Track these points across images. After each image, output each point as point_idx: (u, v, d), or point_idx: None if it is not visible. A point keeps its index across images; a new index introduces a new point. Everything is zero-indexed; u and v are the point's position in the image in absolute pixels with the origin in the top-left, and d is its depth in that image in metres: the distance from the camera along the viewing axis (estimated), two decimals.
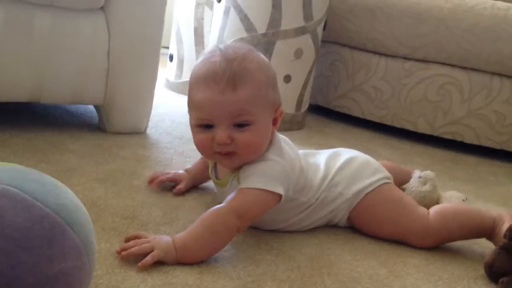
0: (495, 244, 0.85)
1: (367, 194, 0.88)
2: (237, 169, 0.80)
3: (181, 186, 0.93)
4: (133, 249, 0.67)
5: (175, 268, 0.67)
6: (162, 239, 0.69)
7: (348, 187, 0.88)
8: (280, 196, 0.76)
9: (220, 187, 0.86)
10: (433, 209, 0.89)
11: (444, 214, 0.88)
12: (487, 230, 0.87)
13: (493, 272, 0.78)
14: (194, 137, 0.80)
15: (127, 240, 0.70)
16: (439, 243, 0.88)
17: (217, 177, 0.87)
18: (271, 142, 0.81)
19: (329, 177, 0.88)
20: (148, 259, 0.65)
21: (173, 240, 0.69)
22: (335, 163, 0.90)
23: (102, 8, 1.13)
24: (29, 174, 0.48)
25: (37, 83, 1.08)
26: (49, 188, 0.47)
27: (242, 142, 0.75)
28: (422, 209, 0.89)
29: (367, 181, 0.89)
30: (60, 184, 0.50)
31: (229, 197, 0.75)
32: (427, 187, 1.01)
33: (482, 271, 0.81)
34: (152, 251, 0.66)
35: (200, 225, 0.71)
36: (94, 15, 1.12)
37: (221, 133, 0.75)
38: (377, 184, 0.89)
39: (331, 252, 0.80)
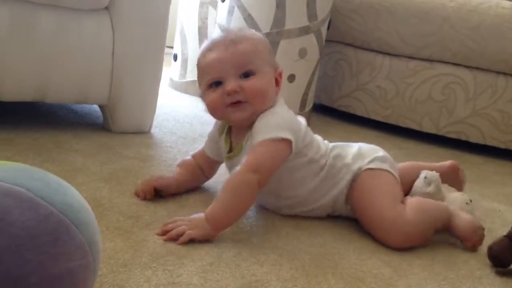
0: (453, 234, 0.90)
1: (365, 170, 0.91)
2: (250, 127, 0.85)
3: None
4: (171, 232, 0.74)
5: (179, 267, 0.67)
6: (195, 218, 0.77)
7: (353, 162, 0.92)
8: (290, 142, 0.82)
9: (232, 160, 0.89)
10: (409, 206, 0.89)
11: (421, 209, 0.89)
12: (446, 222, 0.90)
13: (496, 259, 0.82)
14: (206, 101, 0.87)
15: (165, 225, 0.77)
16: (411, 242, 0.86)
17: (230, 150, 0.90)
18: (277, 101, 0.88)
19: (335, 145, 0.95)
20: (184, 237, 0.73)
21: (205, 215, 0.76)
22: (342, 143, 0.98)
23: (106, 8, 1.13)
24: (35, 173, 0.48)
25: (41, 83, 1.09)
26: (54, 187, 0.47)
27: (249, 88, 0.83)
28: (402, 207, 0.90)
29: (367, 160, 0.93)
30: (65, 183, 0.50)
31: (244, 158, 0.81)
32: (431, 189, 1.00)
33: (487, 270, 0.81)
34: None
35: (223, 192, 0.78)
36: (98, 15, 1.12)
37: (230, 84, 0.82)
38: (377, 165, 0.92)
39: (335, 251, 0.80)
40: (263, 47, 0.88)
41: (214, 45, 0.85)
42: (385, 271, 0.76)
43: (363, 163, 0.92)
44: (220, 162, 0.97)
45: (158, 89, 1.27)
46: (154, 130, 1.30)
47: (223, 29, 0.87)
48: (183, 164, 0.97)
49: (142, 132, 1.26)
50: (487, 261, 0.84)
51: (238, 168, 0.80)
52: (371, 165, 0.92)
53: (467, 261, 0.84)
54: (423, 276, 0.77)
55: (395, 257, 0.82)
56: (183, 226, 0.75)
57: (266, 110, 0.85)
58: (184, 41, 1.93)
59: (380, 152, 0.96)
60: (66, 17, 1.08)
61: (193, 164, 0.96)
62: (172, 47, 2.05)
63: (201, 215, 0.77)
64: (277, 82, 0.88)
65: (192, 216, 0.78)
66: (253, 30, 0.93)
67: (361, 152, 0.94)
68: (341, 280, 0.71)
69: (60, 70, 1.10)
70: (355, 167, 0.91)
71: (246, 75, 0.83)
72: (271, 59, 0.89)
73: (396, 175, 0.94)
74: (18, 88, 1.07)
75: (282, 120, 0.84)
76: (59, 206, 0.45)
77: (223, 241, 0.76)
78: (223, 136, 0.92)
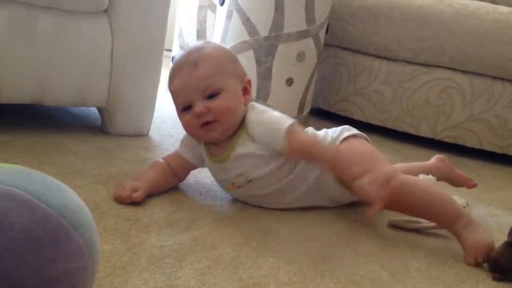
0: (454, 234, 0.89)
1: (348, 137, 0.97)
2: (233, 138, 0.90)
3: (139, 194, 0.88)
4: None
5: (177, 270, 0.67)
6: None
7: (337, 137, 0.98)
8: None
9: (220, 164, 0.92)
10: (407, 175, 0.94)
11: (413, 185, 0.91)
12: (453, 220, 0.88)
13: (494, 265, 0.81)
14: (182, 123, 0.91)
15: None
16: (392, 201, 0.87)
17: (213, 156, 0.93)
18: (252, 107, 0.92)
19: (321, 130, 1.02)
20: None
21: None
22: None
23: (105, 10, 1.13)
24: (33, 176, 0.48)
25: (40, 85, 1.09)
26: (53, 189, 0.47)
27: (216, 107, 0.87)
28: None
29: (337, 133, 0.99)
30: (63, 185, 0.50)
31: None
32: None
33: (484, 274, 0.82)
34: None
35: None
36: (97, 18, 1.12)
37: (198, 107, 0.87)
38: (349, 133, 0.98)
39: (333, 254, 0.80)
40: (226, 60, 0.91)
41: (177, 70, 0.91)
42: (382, 274, 0.76)
43: (334, 135, 0.98)
44: (196, 167, 0.98)
45: (156, 92, 1.27)
46: (152, 133, 1.30)
47: (184, 49, 0.93)
48: (156, 166, 0.95)
49: (140, 134, 1.26)
50: (484, 265, 0.84)
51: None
52: (344, 135, 0.97)
53: (463, 265, 0.85)
54: (420, 279, 0.77)
55: (392, 260, 0.82)
56: None
57: (238, 120, 0.90)
58: (182, 44, 1.94)
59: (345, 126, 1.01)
60: (65, 20, 1.08)
61: (166, 167, 0.95)
62: (170, 50, 2.05)
63: None
64: (246, 91, 0.92)
65: None
66: (213, 43, 0.97)
67: (327, 131, 1.01)
68: (338, 283, 0.71)
69: (59, 73, 1.10)
70: (338, 141, 0.96)
71: (212, 95, 0.87)
72: (236, 69, 0.92)
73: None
74: (17, 90, 1.08)
75: (273, 114, 0.91)
76: (58, 208, 0.45)
77: (221, 244, 0.76)
78: (202, 145, 0.95)
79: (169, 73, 0.93)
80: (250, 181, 0.90)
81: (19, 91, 1.08)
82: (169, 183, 0.95)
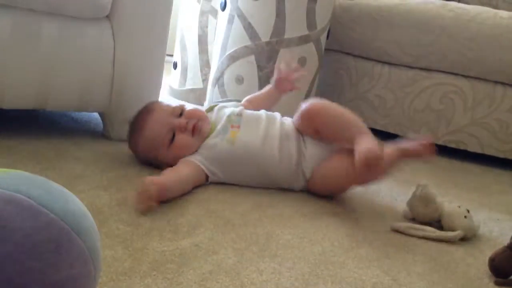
0: (352, 143, 0.99)
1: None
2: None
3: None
4: None
5: (179, 275, 0.67)
6: None
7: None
8: None
9: (214, 132, 1.07)
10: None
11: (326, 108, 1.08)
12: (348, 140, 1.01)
13: (496, 269, 0.82)
14: (178, 150, 1.03)
15: None
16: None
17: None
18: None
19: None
20: None
21: None
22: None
23: (107, 16, 1.14)
24: (35, 181, 0.48)
25: (42, 91, 1.09)
26: (55, 194, 0.47)
27: (188, 111, 1.07)
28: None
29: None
30: (66, 190, 0.50)
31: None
32: (427, 209, 1.01)
33: (486, 280, 0.81)
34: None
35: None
36: (99, 24, 1.13)
37: (178, 121, 1.04)
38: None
39: (335, 259, 0.80)
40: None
41: (137, 125, 1.06)
42: (384, 280, 0.76)
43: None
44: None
45: (158, 97, 1.27)
46: None
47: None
48: (186, 163, 1.02)
49: None
50: (487, 270, 0.84)
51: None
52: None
53: (466, 270, 0.84)
54: (422, 285, 0.77)
55: (394, 265, 0.82)
56: None
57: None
58: (184, 50, 1.94)
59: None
60: (67, 26, 1.08)
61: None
62: (172, 55, 2.05)
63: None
64: None
65: None
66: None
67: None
68: None
69: (61, 78, 1.10)
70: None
71: (179, 114, 1.05)
72: None
73: None
74: (19, 95, 1.08)
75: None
76: (60, 214, 0.45)
77: (222, 249, 0.76)
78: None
79: (132, 138, 1.08)
80: (240, 115, 1.09)
81: (21, 97, 1.08)
82: (197, 182, 1.02)
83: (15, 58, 1.04)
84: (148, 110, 1.07)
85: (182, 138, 1.03)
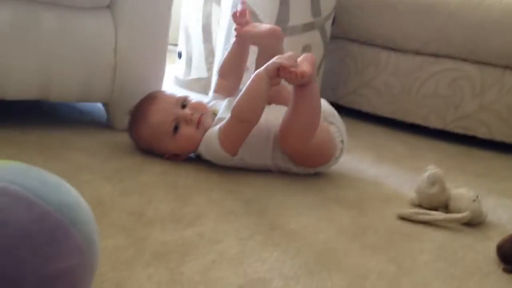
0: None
1: None
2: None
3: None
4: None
5: (181, 265, 0.66)
6: None
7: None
8: None
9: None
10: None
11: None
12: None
13: (504, 256, 0.81)
14: (181, 140, 1.04)
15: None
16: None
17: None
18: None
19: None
20: None
21: None
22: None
23: (108, 6, 1.13)
24: (31, 172, 0.47)
25: (45, 81, 1.09)
26: (51, 186, 0.46)
27: (194, 104, 1.07)
28: None
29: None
30: (62, 181, 0.49)
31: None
32: (435, 189, 0.99)
33: (494, 266, 0.80)
34: None
35: None
36: (100, 13, 1.12)
37: (183, 113, 1.04)
38: None
39: (339, 247, 0.79)
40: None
41: (140, 114, 1.06)
42: (389, 268, 0.75)
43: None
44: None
45: (161, 86, 1.27)
46: None
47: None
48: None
49: None
50: (494, 257, 0.83)
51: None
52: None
53: (473, 257, 0.83)
54: (429, 273, 0.76)
55: (400, 253, 0.81)
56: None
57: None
58: (188, 39, 1.93)
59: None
60: (68, 16, 1.07)
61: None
62: (176, 45, 2.04)
63: None
64: None
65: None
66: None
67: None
68: (345, 277, 0.70)
69: (63, 69, 1.10)
70: None
71: (183, 105, 1.05)
72: None
73: None
74: (22, 86, 1.08)
75: None
76: (56, 205, 0.44)
77: (226, 239, 0.76)
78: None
79: (134, 126, 1.08)
80: None
81: (24, 88, 1.08)
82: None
83: (16, 49, 1.04)
84: (151, 98, 1.07)
85: (187, 130, 1.04)
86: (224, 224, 0.81)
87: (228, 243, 0.75)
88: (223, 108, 1.10)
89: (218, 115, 1.08)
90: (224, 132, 1.00)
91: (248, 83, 0.98)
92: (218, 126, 1.03)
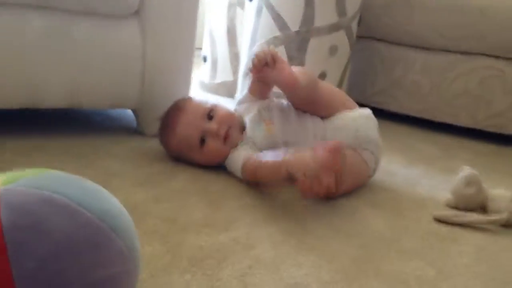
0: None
1: None
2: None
3: None
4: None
5: (219, 271, 0.66)
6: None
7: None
8: None
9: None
10: None
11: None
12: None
13: None
14: (207, 154, 1.03)
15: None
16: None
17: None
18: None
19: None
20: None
21: None
22: None
23: (135, 13, 1.14)
24: (72, 181, 0.48)
25: (76, 90, 1.10)
26: (92, 194, 0.47)
27: (220, 116, 1.03)
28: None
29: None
30: (102, 189, 0.49)
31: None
32: (471, 190, 0.97)
33: None
34: None
35: None
36: (128, 21, 1.13)
37: (209, 127, 1.02)
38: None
39: (376, 252, 0.78)
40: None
41: (169, 123, 1.05)
42: (428, 272, 0.73)
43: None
44: None
45: (188, 92, 1.27)
46: None
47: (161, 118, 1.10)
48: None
49: None
50: None
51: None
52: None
53: None
54: (469, 277, 0.74)
55: (438, 257, 0.79)
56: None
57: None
58: (213, 43, 1.94)
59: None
60: (97, 24, 1.09)
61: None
62: (201, 49, 2.05)
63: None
64: None
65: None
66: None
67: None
68: (384, 282, 0.69)
69: (93, 77, 1.11)
70: None
71: (210, 116, 1.03)
72: None
73: None
74: (53, 95, 1.09)
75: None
76: (98, 213, 0.45)
77: (260, 244, 0.75)
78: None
79: (163, 135, 1.08)
80: (271, 110, 1.05)
81: (56, 97, 1.09)
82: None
83: (47, 59, 1.05)
84: (179, 108, 1.06)
85: (214, 144, 1.02)
86: (258, 229, 0.80)
87: (263, 247, 0.74)
88: (249, 123, 1.06)
89: (248, 134, 1.05)
90: (247, 171, 0.97)
91: (268, 165, 0.90)
92: (243, 155, 0.99)
